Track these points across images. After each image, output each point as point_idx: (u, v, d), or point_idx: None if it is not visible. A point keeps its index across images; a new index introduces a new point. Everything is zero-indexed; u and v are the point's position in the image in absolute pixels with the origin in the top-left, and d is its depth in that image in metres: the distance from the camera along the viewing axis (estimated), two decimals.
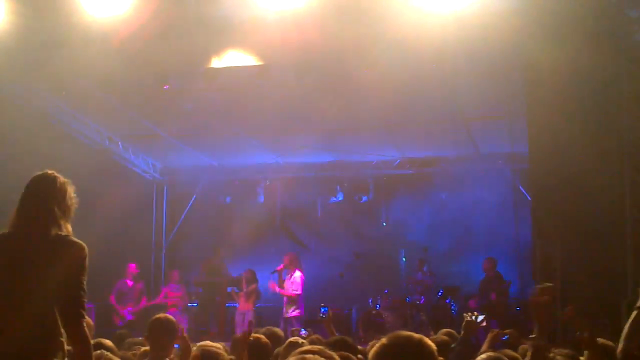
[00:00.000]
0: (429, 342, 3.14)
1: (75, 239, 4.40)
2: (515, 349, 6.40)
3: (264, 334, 7.09)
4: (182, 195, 18.98)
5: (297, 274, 14.74)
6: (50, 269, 4.26)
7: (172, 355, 6.19)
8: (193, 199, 18.86)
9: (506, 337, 8.44)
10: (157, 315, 6.27)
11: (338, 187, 18.34)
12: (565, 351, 6.33)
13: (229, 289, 15.87)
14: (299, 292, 14.62)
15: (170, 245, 18.96)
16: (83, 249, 4.37)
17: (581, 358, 6.23)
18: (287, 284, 14.68)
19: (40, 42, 11.03)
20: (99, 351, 5.23)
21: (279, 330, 7.59)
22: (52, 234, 4.33)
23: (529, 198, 13.58)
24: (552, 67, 10.05)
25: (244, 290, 15.12)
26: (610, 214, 10.20)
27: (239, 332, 12.99)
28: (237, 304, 15.34)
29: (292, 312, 14.51)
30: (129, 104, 13.75)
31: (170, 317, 6.33)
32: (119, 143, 16.67)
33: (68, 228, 4.45)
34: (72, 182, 4.65)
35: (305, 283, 14.83)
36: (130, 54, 11.00)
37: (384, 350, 2.97)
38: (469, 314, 6.03)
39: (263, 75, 11.74)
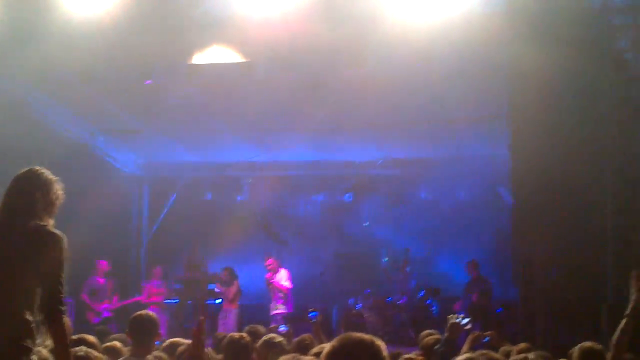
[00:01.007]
0: (381, 345, 3.13)
1: (54, 230, 4.35)
2: (496, 351, 6.38)
3: (247, 332, 7.06)
4: (164, 191, 18.88)
5: (283, 271, 14.81)
6: (27, 263, 4.20)
7: (154, 352, 6.14)
8: (175, 195, 18.77)
9: (487, 339, 8.44)
10: (139, 312, 6.23)
11: (321, 186, 18.31)
12: (544, 353, 6.36)
13: (210, 286, 15.84)
14: (289, 285, 14.70)
15: (152, 241, 18.86)
16: (61, 239, 4.33)
17: None
18: (272, 286, 14.77)
19: (22, 33, 10.90)
20: (80, 347, 5.16)
21: (261, 328, 7.55)
22: (31, 225, 4.29)
23: (509, 201, 13.62)
24: (536, 70, 10.07)
25: (222, 290, 15.09)
26: (591, 217, 10.24)
27: (220, 330, 12.96)
28: (216, 301, 15.31)
29: (279, 309, 14.57)
30: (111, 98, 13.63)
31: (152, 314, 6.29)
32: (100, 137, 16.53)
33: (50, 223, 4.41)
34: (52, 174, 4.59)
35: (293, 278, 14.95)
36: (113, 47, 10.93)
37: (334, 352, 2.95)
38: (454, 315, 6.00)
39: (248, 72, 11.69)
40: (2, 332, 4.09)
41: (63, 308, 4.29)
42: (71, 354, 4.36)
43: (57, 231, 4.35)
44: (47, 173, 4.56)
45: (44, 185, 4.48)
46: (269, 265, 14.81)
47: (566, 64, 9.86)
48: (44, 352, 4.67)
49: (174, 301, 16.21)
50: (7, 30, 10.81)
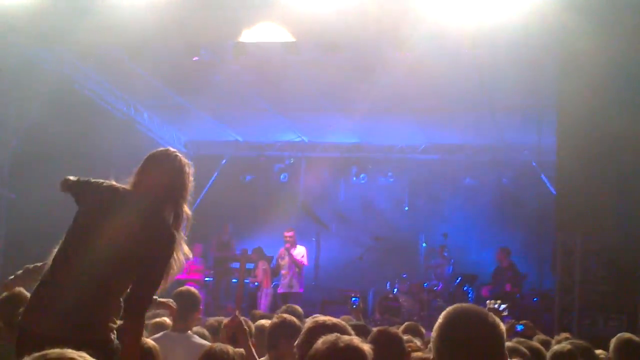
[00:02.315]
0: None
1: (169, 226, 4.23)
2: (530, 340, 6.35)
3: (285, 312, 7.04)
4: (206, 170, 18.96)
5: (300, 247, 14.49)
6: (132, 242, 4.08)
7: (195, 328, 6.21)
8: (216, 174, 18.87)
9: (521, 327, 8.39)
10: (180, 289, 6.32)
11: (362, 169, 18.27)
12: (583, 343, 6.30)
13: (233, 265, 15.89)
14: (305, 263, 14.47)
15: (192, 219, 18.94)
16: (173, 237, 4.21)
17: (597, 352, 6.21)
18: (290, 258, 14.33)
19: (70, 8, 11.01)
20: None
21: (298, 309, 7.55)
22: (154, 209, 4.19)
23: (553, 191, 13.49)
24: (586, 59, 9.96)
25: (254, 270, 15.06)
26: (636, 209, 10.11)
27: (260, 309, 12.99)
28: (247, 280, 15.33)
29: (294, 287, 14.21)
30: (156, 74, 13.70)
31: (193, 289, 6.37)
32: (145, 113, 16.67)
33: (184, 208, 4.43)
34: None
35: (322, 263, 14.73)
36: (161, 23, 10.96)
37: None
38: (492, 301, 5.96)
39: (294, 52, 11.68)
40: (90, 307, 4.00)
41: (145, 310, 4.13)
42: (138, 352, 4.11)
43: (173, 232, 4.23)
44: (184, 161, 4.50)
45: (179, 176, 4.44)
46: (289, 237, 14.38)
47: (616, 53, 9.73)
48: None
49: (210, 279, 16.34)
50: (55, 7, 10.92)
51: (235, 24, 11.25)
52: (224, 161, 18.93)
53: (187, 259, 4.38)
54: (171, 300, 5.86)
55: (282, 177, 18.72)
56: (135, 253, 4.07)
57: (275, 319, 5.45)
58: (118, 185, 4.31)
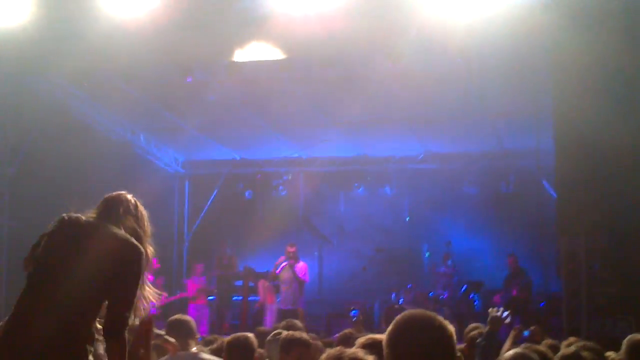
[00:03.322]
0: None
1: (137, 244, 4.17)
2: (538, 344, 6.32)
3: (285, 327, 7.06)
4: (204, 188, 18.99)
5: (302, 263, 14.30)
6: (100, 263, 4.05)
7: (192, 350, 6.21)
8: (215, 192, 18.87)
9: (527, 333, 8.36)
10: (175, 316, 6.39)
11: (361, 182, 18.27)
12: (590, 344, 6.28)
13: (236, 283, 15.85)
14: (307, 280, 14.26)
15: (193, 238, 18.99)
16: (142, 255, 4.15)
17: (607, 353, 6.18)
18: (293, 273, 14.12)
19: (62, 34, 11.01)
20: None
21: (298, 323, 7.54)
22: (117, 232, 4.15)
23: (553, 195, 13.47)
24: (580, 62, 9.96)
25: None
26: (636, 211, 10.10)
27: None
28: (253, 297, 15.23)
29: (297, 304, 13.94)
30: (151, 97, 13.73)
31: (188, 317, 6.45)
32: (141, 136, 16.68)
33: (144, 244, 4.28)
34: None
35: (326, 277, 14.61)
36: (153, 46, 10.99)
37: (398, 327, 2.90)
38: (495, 309, 5.94)
39: (286, 68, 11.70)
40: (63, 333, 3.96)
41: (125, 329, 4.05)
42: None
43: (140, 246, 4.18)
44: (140, 203, 4.47)
45: (140, 217, 4.39)
46: (292, 252, 14.18)
47: (610, 54, 9.73)
48: None
49: (213, 298, 16.29)
50: (48, 31, 10.92)
51: (226, 44, 11.29)
52: (221, 179, 18.92)
53: (151, 258, 4.37)
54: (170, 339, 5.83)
55: (281, 192, 18.69)
56: (103, 274, 4.04)
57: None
58: (82, 216, 4.29)
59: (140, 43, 10.79)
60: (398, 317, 2.91)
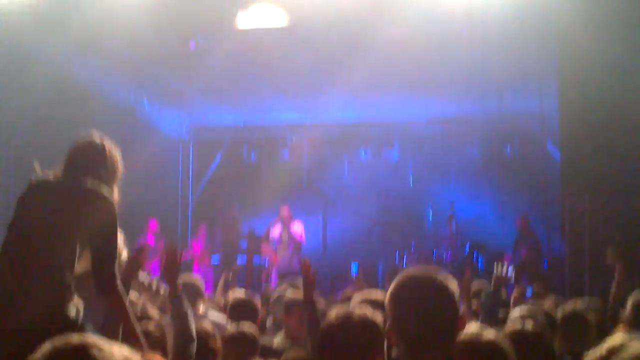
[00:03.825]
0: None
1: (107, 194, 4.22)
2: (542, 300, 6.38)
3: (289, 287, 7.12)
4: (209, 154, 19.02)
5: (297, 224, 14.35)
6: (76, 221, 4.12)
7: (200, 310, 6.27)
8: (219, 157, 18.89)
9: (530, 289, 8.40)
10: (183, 278, 6.40)
11: (365, 146, 18.25)
12: (594, 304, 6.34)
13: (242, 244, 15.93)
14: (303, 240, 14.28)
15: (198, 201, 19.06)
16: (113, 205, 4.21)
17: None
18: (289, 234, 14.17)
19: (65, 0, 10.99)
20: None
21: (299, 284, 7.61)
22: (89, 189, 4.19)
23: (557, 159, 13.47)
24: (585, 22, 9.90)
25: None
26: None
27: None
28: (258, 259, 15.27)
29: (296, 266, 13.86)
30: (155, 62, 13.69)
31: (196, 278, 6.47)
32: (145, 101, 16.65)
33: (111, 190, 4.32)
34: None
35: (330, 240, 14.58)
36: (157, 10, 10.93)
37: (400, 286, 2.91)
38: (499, 267, 5.97)
39: (290, 33, 11.64)
40: (42, 288, 4.02)
41: (116, 277, 4.12)
42: (137, 325, 4.15)
43: (109, 196, 4.23)
44: (108, 143, 4.48)
45: (108, 160, 4.41)
46: (286, 213, 14.25)
47: (616, 16, 9.67)
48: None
49: (217, 261, 16.37)
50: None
51: (230, 9, 11.23)
52: (226, 145, 18.92)
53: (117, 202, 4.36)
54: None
55: (285, 156, 18.68)
56: (78, 231, 4.10)
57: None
58: (50, 176, 4.35)
59: (145, 7, 10.74)
60: (399, 275, 2.91)
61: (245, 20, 11.29)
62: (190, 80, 14.91)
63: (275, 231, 14.32)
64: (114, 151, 4.49)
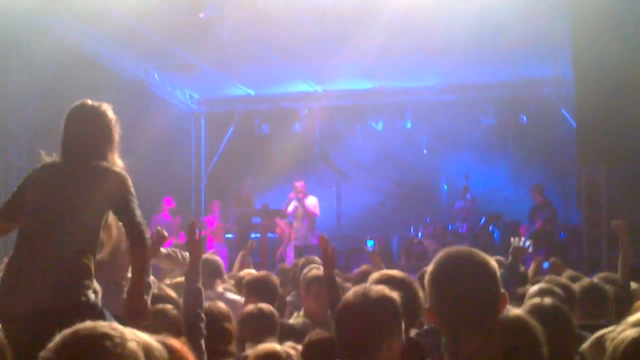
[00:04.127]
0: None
1: (118, 170, 4.29)
2: (559, 276, 6.30)
3: (305, 263, 7.07)
4: (221, 126, 18.96)
5: (312, 197, 14.31)
6: (92, 202, 4.18)
7: (218, 289, 6.23)
8: (231, 129, 18.83)
9: (547, 264, 8.35)
10: (204, 256, 6.34)
11: (378, 115, 18.12)
12: (612, 275, 6.26)
13: (254, 220, 15.90)
14: (317, 214, 14.24)
15: (211, 176, 19.04)
16: (126, 178, 4.28)
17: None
18: (303, 209, 14.14)
19: None
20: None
21: (317, 259, 7.55)
22: (95, 165, 4.24)
23: (573, 125, 13.33)
24: None
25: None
26: None
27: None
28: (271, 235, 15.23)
29: (310, 239, 13.89)
30: (164, 34, 13.58)
31: (216, 257, 6.41)
32: (156, 74, 16.58)
33: (114, 159, 4.36)
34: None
35: (344, 212, 14.53)
36: None
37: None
38: (516, 239, 5.89)
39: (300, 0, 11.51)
40: (61, 271, 4.04)
41: (146, 234, 4.24)
42: (144, 283, 4.34)
43: (121, 171, 4.30)
44: (102, 105, 4.48)
45: (103, 121, 4.41)
46: (300, 187, 14.18)
47: None
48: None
49: (232, 236, 16.36)
50: None
51: None
52: (237, 116, 18.85)
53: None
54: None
55: (297, 127, 18.59)
56: (98, 209, 4.21)
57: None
58: (51, 162, 4.41)
59: None
60: (438, 255, 2.83)
61: None
62: (200, 52, 14.80)
63: (290, 206, 14.27)
64: (109, 114, 4.49)
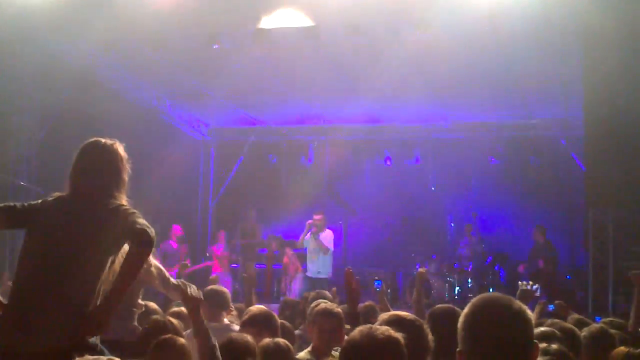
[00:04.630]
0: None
1: (125, 206, 4.25)
2: (564, 320, 6.28)
3: (315, 297, 7.03)
4: (230, 156, 19.01)
5: (328, 231, 14.16)
6: (101, 238, 4.14)
7: (224, 321, 6.21)
8: (240, 159, 18.88)
9: (552, 307, 8.31)
10: (211, 287, 6.34)
11: (386, 151, 18.16)
12: (617, 321, 6.23)
13: (260, 251, 15.86)
14: (331, 248, 14.07)
15: (218, 205, 19.05)
16: (126, 207, 4.23)
17: None
18: (317, 242, 13.97)
19: (91, 1, 11.01)
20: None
21: (327, 293, 7.53)
22: (103, 204, 4.21)
23: (582, 167, 13.34)
24: (610, 30, 9.77)
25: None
26: None
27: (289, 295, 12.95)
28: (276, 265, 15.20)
29: (321, 274, 13.80)
30: (178, 63, 13.70)
31: (223, 288, 6.40)
32: (167, 102, 16.68)
33: (122, 199, 4.31)
34: (121, 141, 4.54)
35: (350, 246, 14.45)
36: (180, 12, 10.94)
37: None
38: (524, 282, 5.89)
39: (313, 36, 11.59)
40: (67, 312, 4.01)
41: (153, 236, 4.11)
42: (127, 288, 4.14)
43: (129, 206, 4.26)
44: (115, 144, 4.46)
45: (115, 162, 4.40)
46: (318, 220, 14.00)
47: None
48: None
49: (237, 266, 16.34)
50: (75, 0, 10.91)
51: (254, 11, 11.21)
52: (247, 147, 18.91)
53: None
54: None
55: (306, 161, 18.62)
56: (97, 244, 4.14)
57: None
58: (60, 195, 4.37)
59: (168, 10, 10.76)
60: (474, 299, 2.86)
61: (269, 22, 11.26)
62: (213, 82, 14.90)
63: (305, 238, 14.14)
64: (121, 153, 4.48)
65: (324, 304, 5.85)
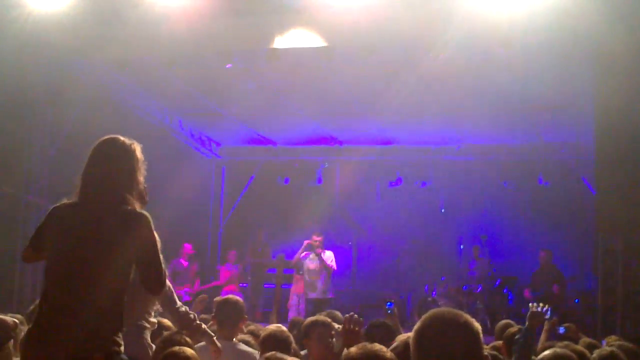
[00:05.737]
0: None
1: (140, 211, 4.16)
2: (575, 343, 6.26)
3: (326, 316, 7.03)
4: (241, 175, 19.07)
5: (330, 252, 14.10)
6: (118, 245, 4.04)
7: (239, 335, 6.21)
8: (251, 179, 18.94)
9: (563, 329, 8.28)
10: (226, 297, 6.35)
11: (397, 172, 18.19)
12: (627, 345, 6.21)
13: (269, 271, 15.87)
14: (334, 267, 13.98)
15: (228, 225, 19.09)
16: (149, 221, 4.12)
17: None
18: (317, 263, 13.92)
19: (104, 19, 11.09)
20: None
21: (339, 314, 7.51)
22: (122, 210, 4.10)
23: (592, 191, 13.31)
24: (623, 55, 9.79)
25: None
26: None
27: (291, 315, 12.92)
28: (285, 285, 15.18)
29: (327, 293, 13.77)
30: (190, 82, 13.77)
31: (238, 298, 6.41)
32: (179, 121, 16.77)
33: (133, 202, 4.20)
34: None
35: (359, 268, 14.44)
36: (194, 31, 11.01)
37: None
38: (534, 305, 5.88)
39: (327, 56, 11.63)
40: (97, 322, 3.97)
41: (164, 284, 4.19)
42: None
43: (143, 212, 4.15)
44: (134, 147, 4.36)
45: (129, 160, 4.30)
46: (319, 242, 13.96)
47: None
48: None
49: (246, 285, 16.36)
50: (90, 16, 11.00)
51: (267, 31, 11.26)
52: (258, 167, 18.97)
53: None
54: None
55: (317, 181, 18.68)
56: (122, 255, 4.06)
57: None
58: (71, 202, 4.28)
59: (182, 29, 10.83)
60: (424, 315, 2.97)
61: (282, 42, 11.32)
62: (225, 102, 14.98)
63: (307, 259, 14.11)
64: (138, 154, 4.38)
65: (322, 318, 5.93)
